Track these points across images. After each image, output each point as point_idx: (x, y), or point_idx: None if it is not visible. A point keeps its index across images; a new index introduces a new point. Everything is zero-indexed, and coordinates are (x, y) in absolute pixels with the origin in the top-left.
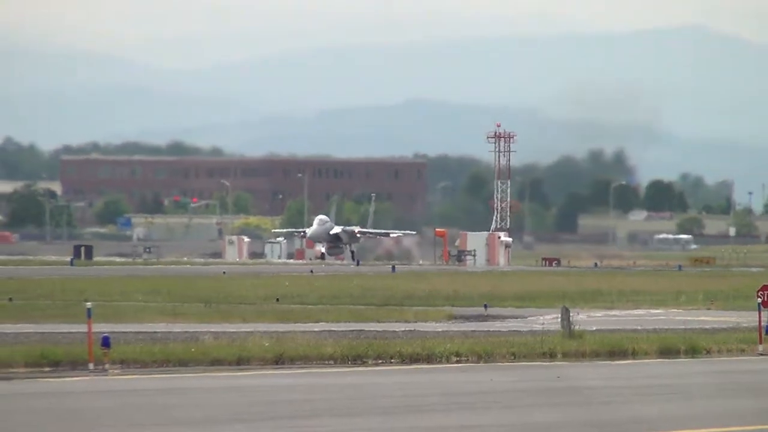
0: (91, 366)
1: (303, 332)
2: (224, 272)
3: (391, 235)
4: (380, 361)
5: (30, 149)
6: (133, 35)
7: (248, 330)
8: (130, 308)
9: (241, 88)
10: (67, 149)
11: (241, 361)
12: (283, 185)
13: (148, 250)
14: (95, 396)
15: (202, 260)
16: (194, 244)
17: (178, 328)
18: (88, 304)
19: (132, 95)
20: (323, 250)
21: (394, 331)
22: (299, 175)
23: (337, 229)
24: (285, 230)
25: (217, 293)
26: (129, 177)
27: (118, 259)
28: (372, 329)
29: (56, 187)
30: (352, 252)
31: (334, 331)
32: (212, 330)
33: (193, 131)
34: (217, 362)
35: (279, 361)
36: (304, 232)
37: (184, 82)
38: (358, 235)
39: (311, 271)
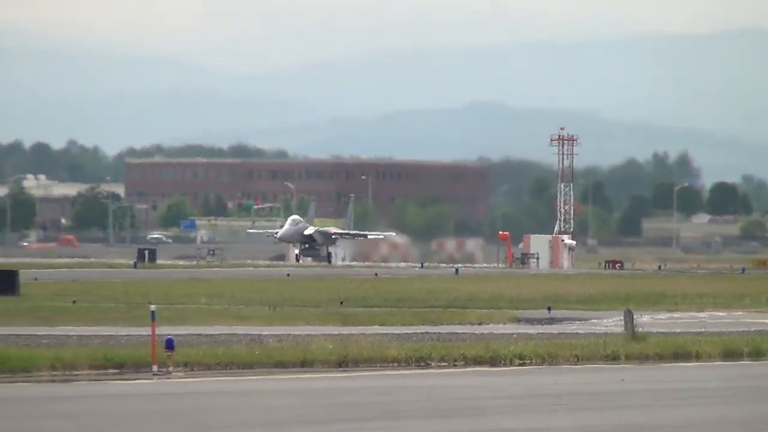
0: (154, 368)
1: (367, 335)
2: (288, 275)
3: (369, 237)
4: (444, 364)
5: (94, 152)
6: (197, 38)
7: (312, 332)
8: (193, 311)
9: (306, 90)
10: (131, 152)
11: (305, 364)
12: (346, 188)
13: (211, 252)
14: (159, 399)
15: (265, 263)
16: (258, 247)
17: (241, 330)
18: (152, 307)
19: (196, 98)
20: (296, 251)
21: (458, 334)
22: (363, 177)
23: (311, 230)
24: (258, 231)
25: (281, 296)
26: (192, 179)
27: (181, 262)
28: (436, 331)
29: (120, 189)
30: (329, 254)
31: (398, 333)
32: (276, 333)
33: (256, 134)
34: (280, 365)
35: (343, 363)
36: (276, 232)
37: (248, 84)
38: (334, 236)
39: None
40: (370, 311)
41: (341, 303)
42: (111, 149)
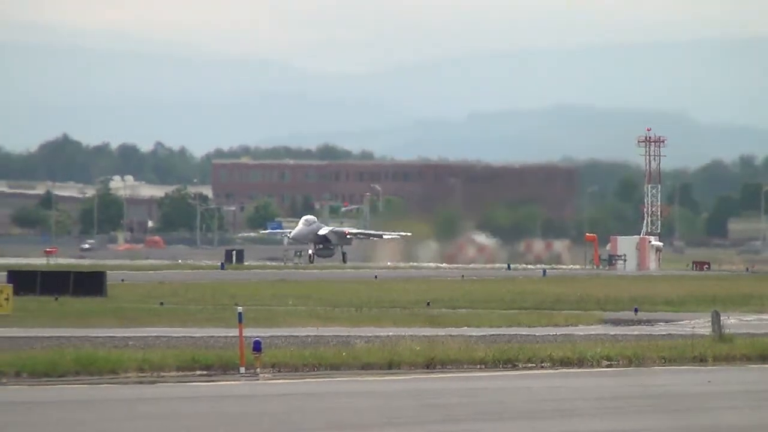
0: (242, 370)
1: (454, 336)
2: (376, 276)
3: (385, 237)
4: (531, 365)
5: (181, 153)
6: (285, 41)
7: (399, 334)
8: (281, 312)
9: (393, 91)
10: (219, 153)
11: (392, 366)
12: (433, 189)
13: (298, 254)
14: (247, 400)
15: (353, 264)
16: (345, 248)
17: (329, 332)
18: (239, 309)
19: (283, 99)
20: (311, 251)
21: (545, 335)
22: (450, 179)
23: (325, 230)
24: (268, 231)
25: (368, 297)
26: (279, 181)
27: (268, 264)
28: (523, 333)
29: (207, 191)
30: (344, 254)
31: (485, 335)
32: (363, 334)
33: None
34: (368, 366)
35: (430, 365)
36: (289, 232)
37: (335, 86)
38: (348, 236)
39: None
40: (457, 312)
41: (428, 304)
42: (198, 151)
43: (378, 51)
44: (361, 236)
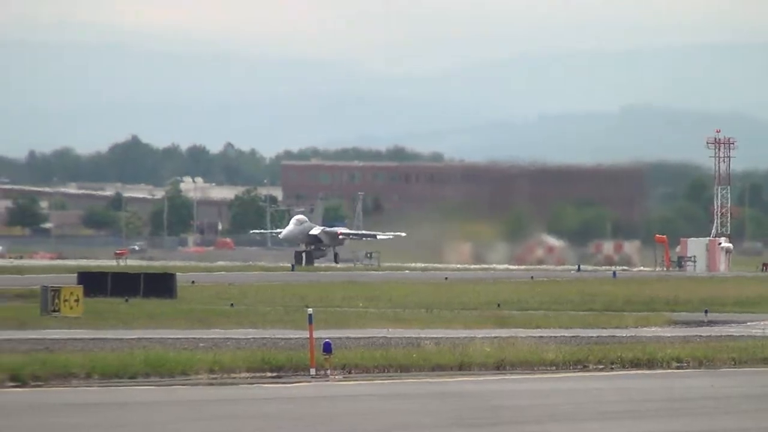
0: (312, 371)
1: (524, 338)
2: (446, 278)
3: (379, 237)
4: (601, 367)
5: (251, 155)
6: (355, 42)
7: (469, 335)
8: (351, 314)
9: (462, 93)
10: (288, 155)
11: (462, 367)
12: (502, 191)
13: (369, 255)
14: (317, 402)
15: (423, 265)
16: (415, 250)
17: (399, 333)
18: (309, 310)
19: (353, 100)
20: (303, 252)
21: (615, 337)
22: (519, 180)
23: (316, 230)
24: (263, 231)
25: (438, 299)
26: (349, 182)
27: (338, 265)
28: (593, 335)
29: (277, 192)
30: (336, 254)
31: (555, 336)
32: (433, 336)
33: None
34: (438, 368)
35: (500, 366)
36: (279, 233)
37: (405, 87)
38: (341, 237)
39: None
40: (527, 314)
41: (498, 305)
42: (268, 152)
43: (446, 52)
44: (354, 237)
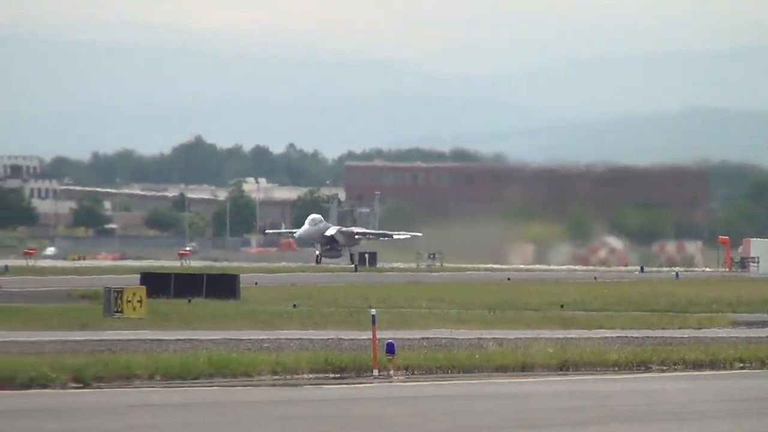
0: (375, 372)
1: (587, 338)
2: (509, 278)
3: (395, 237)
4: (664, 368)
5: (313, 156)
6: (418, 42)
7: (532, 336)
8: (414, 315)
9: (523, 93)
10: (351, 155)
11: (525, 368)
12: (565, 192)
13: (432, 256)
14: (381, 402)
15: (485, 266)
16: (478, 251)
17: (462, 334)
18: (373, 311)
19: (416, 101)
20: (317, 252)
21: (678, 338)
22: (582, 181)
23: (332, 230)
24: (275, 231)
25: (501, 299)
26: (411, 183)
27: (401, 266)
28: (656, 335)
29: (340, 193)
30: (351, 255)
31: (618, 337)
32: (496, 336)
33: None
34: (501, 368)
35: (563, 367)
36: (294, 232)
37: (468, 88)
38: (357, 237)
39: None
40: (589, 315)
41: (561, 306)
42: (330, 153)
43: (508, 53)
44: (371, 236)
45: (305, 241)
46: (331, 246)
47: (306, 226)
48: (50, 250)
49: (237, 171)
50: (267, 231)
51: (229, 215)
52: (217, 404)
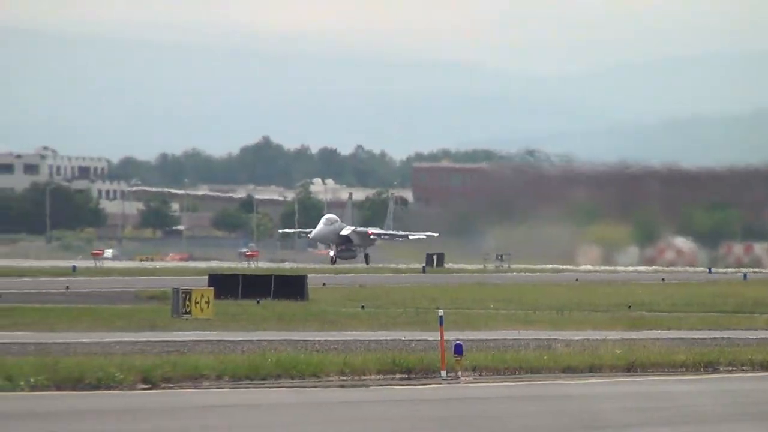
0: (443, 373)
1: (654, 339)
2: (576, 280)
3: (410, 237)
4: (732, 369)
5: (381, 157)
6: (486, 43)
7: (600, 337)
8: (481, 316)
9: (589, 94)
10: (419, 156)
11: (592, 369)
12: (632, 193)
13: (499, 257)
14: (448, 403)
15: (553, 267)
16: (546, 252)
17: (529, 335)
18: (440, 312)
19: (484, 102)
20: (332, 253)
21: (746, 338)
22: (649, 183)
23: (347, 230)
24: (291, 230)
25: (569, 301)
26: (479, 184)
27: (469, 267)
28: (723, 336)
29: (407, 194)
30: (366, 255)
31: (686, 338)
32: (564, 337)
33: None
34: (568, 369)
35: (631, 368)
36: (309, 232)
37: (536, 88)
38: (372, 237)
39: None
40: (657, 316)
41: (629, 307)
42: (398, 154)
43: (577, 53)
44: (385, 237)
45: (321, 241)
46: (346, 246)
47: (321, 225)
48: (109, 252)
49: (304, 172)
50: (281, 230)
51: (297, 216)
52: (284, 405)
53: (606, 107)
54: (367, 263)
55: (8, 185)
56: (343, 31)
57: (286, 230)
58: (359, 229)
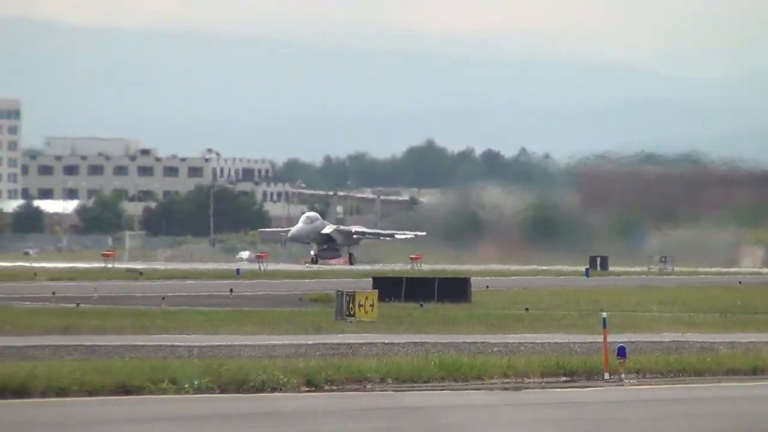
0: (606, 376)
1: None
2: (740, 282)
3: (397, 236)
4: None
5: (545, 159)
6: (649, 45)
7: (764, 340)
8: (644, 318)
9: (754, 96)
10: (583, 159)
11: (756, 371)
12: None
13: (663, 260)
14: (610, 406)
15: (716, 270)
16: (708, 254)
17: (692, 337)
18: (604, 314)
19: (647, 105)
20: (313, 252)
21: None
22: None
23: (329, 229)
24: (271, 230)
25: (732, 303)
26: (642, 187)
27: (633, 270)
28: None
29: (572, 196)
30: (350, 255)
31: None
32: (727, 340)
33: (705, 141)
34: (731, 372)
35: None
36: (288, 231)
37: (694, 91)
38: (356, 236)
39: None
40: None
41: None
42: (562, 156)
43: (740, 55)
44: (370, 236)
45: (300, 240)
46: (328, 245)
47: (300, 224)
48: (244, 254)
49: (468, 174)
50: (260, 229)
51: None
52: (447, 407)
53: None
54: (351, 263)
55: (173, 188)
56: (511, 32)
57: (266, 229)
58: (342, 227)
